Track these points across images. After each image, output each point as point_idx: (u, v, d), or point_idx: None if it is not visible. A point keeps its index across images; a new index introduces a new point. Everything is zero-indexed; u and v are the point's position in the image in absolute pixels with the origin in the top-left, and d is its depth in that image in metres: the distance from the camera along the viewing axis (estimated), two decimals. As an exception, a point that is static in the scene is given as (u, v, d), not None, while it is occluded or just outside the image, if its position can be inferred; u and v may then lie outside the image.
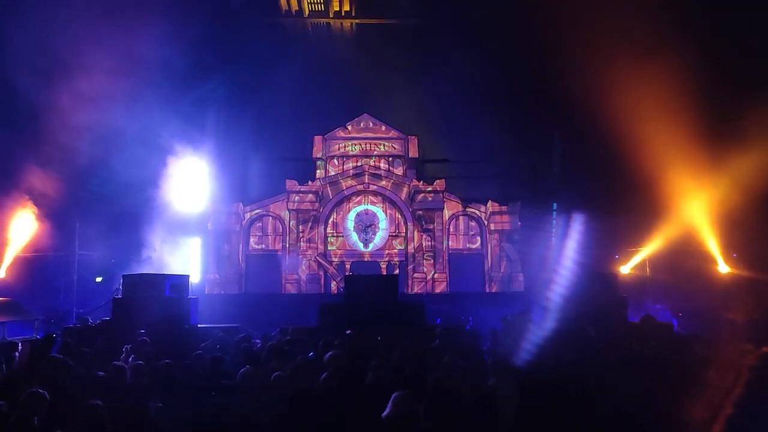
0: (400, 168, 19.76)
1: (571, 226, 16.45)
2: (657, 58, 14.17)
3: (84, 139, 14.60)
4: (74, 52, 13.89)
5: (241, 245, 19.02)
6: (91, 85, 14.27)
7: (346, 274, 16.54)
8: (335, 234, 19.58)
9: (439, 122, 18.99)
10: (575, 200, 17.96)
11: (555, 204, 18.40)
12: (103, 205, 15.31)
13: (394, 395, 4.08)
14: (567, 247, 15.98)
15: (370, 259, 19.38)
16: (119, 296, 11.87)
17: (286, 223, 19.34)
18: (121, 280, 12.00)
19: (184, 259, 17.78)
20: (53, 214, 15.35)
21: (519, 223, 19.27)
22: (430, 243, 19.36)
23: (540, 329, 7.63)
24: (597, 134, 16.01)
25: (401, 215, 19.61)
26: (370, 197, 19.78)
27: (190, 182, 18.20)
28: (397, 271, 18.69)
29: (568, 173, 18.89)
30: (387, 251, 19.52)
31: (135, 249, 15.99)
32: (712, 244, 15.56)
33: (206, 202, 18.70)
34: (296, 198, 19.31)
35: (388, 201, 19.70)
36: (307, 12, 19.94)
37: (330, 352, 6.09)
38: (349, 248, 19.46)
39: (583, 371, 5.79)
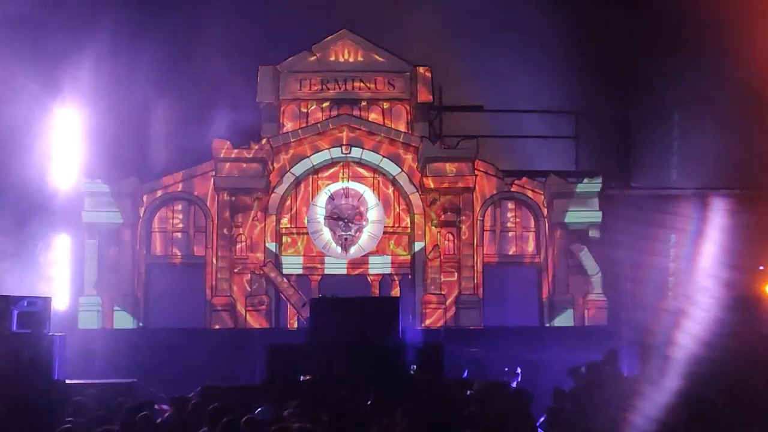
0: (402, 121, 16.08)
1: (709, 219, 14.29)
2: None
3: None
4: None
5: (137, 247, 15.56)
6: None
7: (313, 296, 13.94)
8: (295, 230, 15.97)
9: (467, 47, 15.76)
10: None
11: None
12: None
13: None
14: (705, 256, 14.10)
15: (351, 272, 16.06)
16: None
17: (212, 210, 15.61)
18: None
19: (42, 269, 14.80)
20: None
21: (600, 213, 15.56)
22: (451, 245, 15.99)
23: (657, 392, 6.61)
24: (731, 86, 14.38)
25: (404, 199, 16.07)
26: (352, 169, 16.09)
27: (54, 145, 15.11)
28: (397, 291, 15.49)
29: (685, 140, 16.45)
30: (380, 259, 16.07)
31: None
32: None
33: (79, 176, 15.28)
34: (230, 170, 15.56)
35: (382, 175, 16.10)
36: None
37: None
38: (317, 253, 16.04)
39: None
